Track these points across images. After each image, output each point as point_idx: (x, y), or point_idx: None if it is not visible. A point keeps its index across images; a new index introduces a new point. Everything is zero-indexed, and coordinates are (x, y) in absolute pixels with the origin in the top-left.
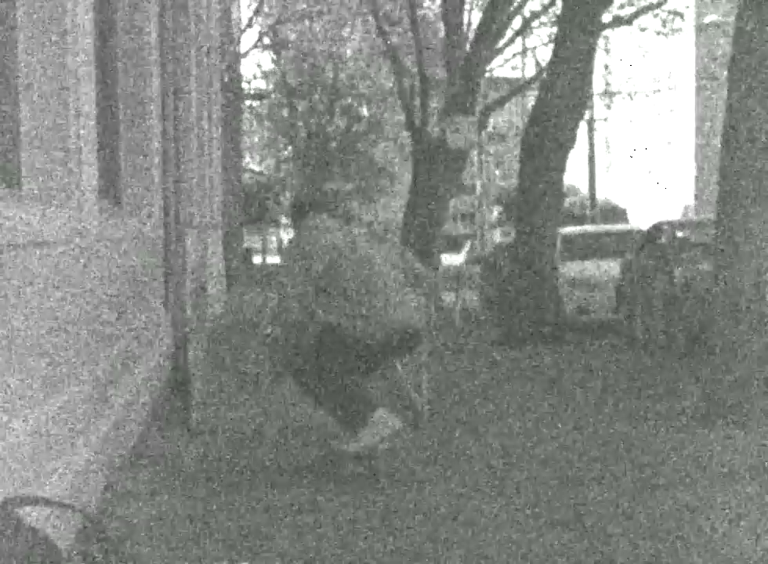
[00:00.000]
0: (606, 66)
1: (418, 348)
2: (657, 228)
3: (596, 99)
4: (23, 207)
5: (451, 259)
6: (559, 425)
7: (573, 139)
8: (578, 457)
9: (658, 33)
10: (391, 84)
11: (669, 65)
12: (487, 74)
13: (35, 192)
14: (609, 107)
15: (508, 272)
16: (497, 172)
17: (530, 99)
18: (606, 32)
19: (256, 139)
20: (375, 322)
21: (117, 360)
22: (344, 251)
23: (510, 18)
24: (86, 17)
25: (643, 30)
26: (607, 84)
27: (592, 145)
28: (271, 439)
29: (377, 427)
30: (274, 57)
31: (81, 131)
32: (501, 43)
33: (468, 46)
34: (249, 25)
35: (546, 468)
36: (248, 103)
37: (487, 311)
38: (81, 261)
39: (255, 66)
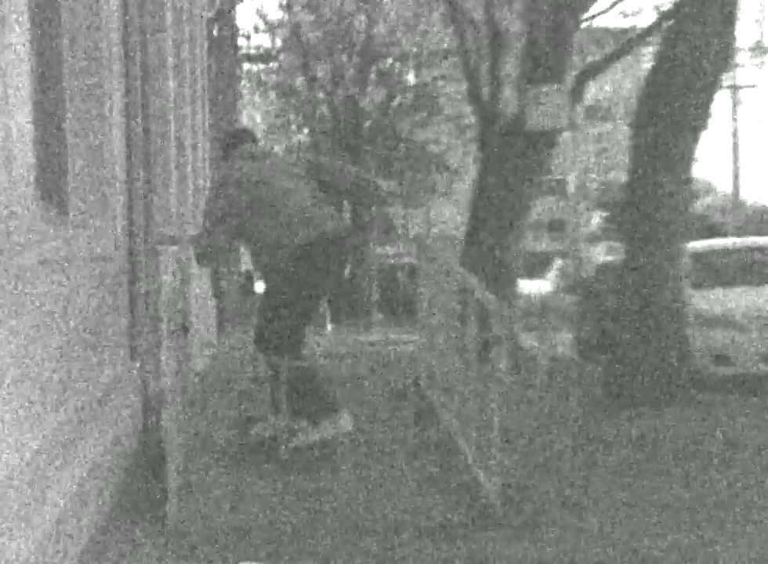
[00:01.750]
0: (761, 10)
1: (346, 258)
2: None
3: (743, 58)
4: None
5: (534, 286)
6: (685, 522)
7: (706, 116)
8: None
9: None
10: (448, 41)
11: None
12: (584, 25)
13: None
14: (760, 67)
15: (614, 306)
16: (599, 163)
17: (646, 60)
18: None
19: (258, 119)
20: (296, 227)
21: (59, 433)
22: (256, 175)
23: None
24: None
25: None
26: (761, 37)
27: (736, 123)
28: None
29: (338, 422)
30: (283, 2)
31: (10, 117)
32: None
33: None
34: None
35: None
36: (246, 67)
37: (586, 361)
38: (10, 290)
39: (256, 16)
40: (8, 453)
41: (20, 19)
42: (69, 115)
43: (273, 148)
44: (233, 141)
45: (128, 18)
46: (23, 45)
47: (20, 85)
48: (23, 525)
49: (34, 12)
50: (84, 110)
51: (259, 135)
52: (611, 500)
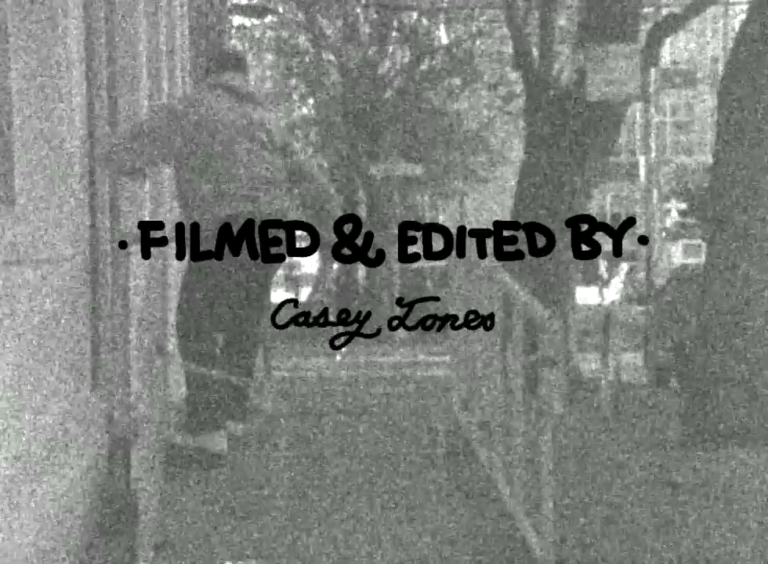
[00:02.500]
0: None
1: None
2: None
3: None
4: None
5: (594, 296)
6: None
7: None
8: None
9: None
10: None
11: None
12: None
13: None
14: None
15: (695, 320)
16: (677, 143)
17: (740, 11)
18: None
19: (252, 86)
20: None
21: (7, 480)
22: (220, 117)
23: None
24: None
25: None
26: None
27: None
28: None
29: (215, 441)
30: None
31: None
32: None
33: None
34: None
35: None
36: (236, 21)
37: (659, 387)
38: None
39: None
40: None
41: None
42: (15, 91)
43: (267, 98)
44: (212, 64)
45: None
46: None
47: None
48: None
49: None
50: (34, 82)
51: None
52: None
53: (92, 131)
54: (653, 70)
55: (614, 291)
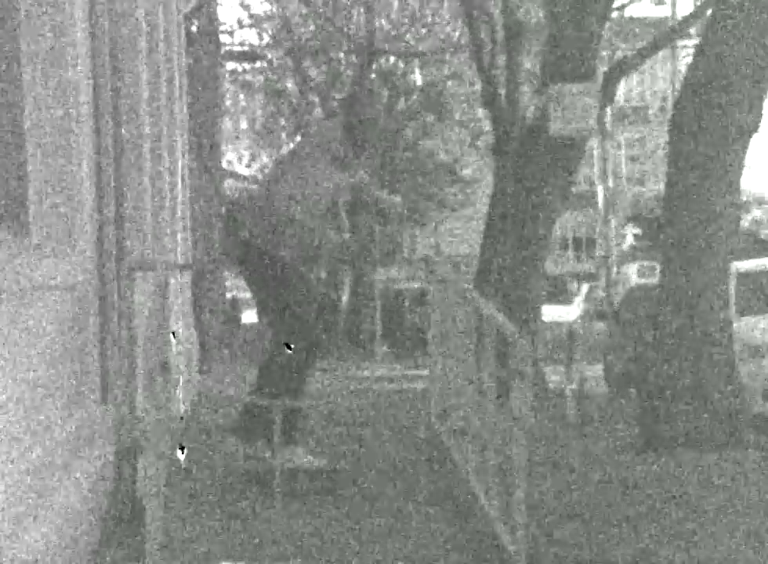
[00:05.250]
0: None
1: None
2: None
3: None
4: None
5: (560, 314)
6: None
7: (757, 117)
8: None
9: None
10: (458, 35)
11: None
12: (614, 14)
13: None
14: None
15: (650, 334)
16: (631, 173)
17: (686, 54)
18: None
19: (244, 125)
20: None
21: (21, 488)
22: None
23: None
24: None
25: None
26: None
27: None
28: None
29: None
30: None
31: None
32: None
33: None
34: None
35: None
36: (230, 66)
37: (617, 396)
38: None
39: (241, 9)
40: None
41: None
42: (28, 129)
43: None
44: None
45: (94, 16)
46: None
47: None
48: None
49: None
50: (45, 124)
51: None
52: (644, 557)
53: (98, 168)
54: (609, 107)
55: (576, 309)
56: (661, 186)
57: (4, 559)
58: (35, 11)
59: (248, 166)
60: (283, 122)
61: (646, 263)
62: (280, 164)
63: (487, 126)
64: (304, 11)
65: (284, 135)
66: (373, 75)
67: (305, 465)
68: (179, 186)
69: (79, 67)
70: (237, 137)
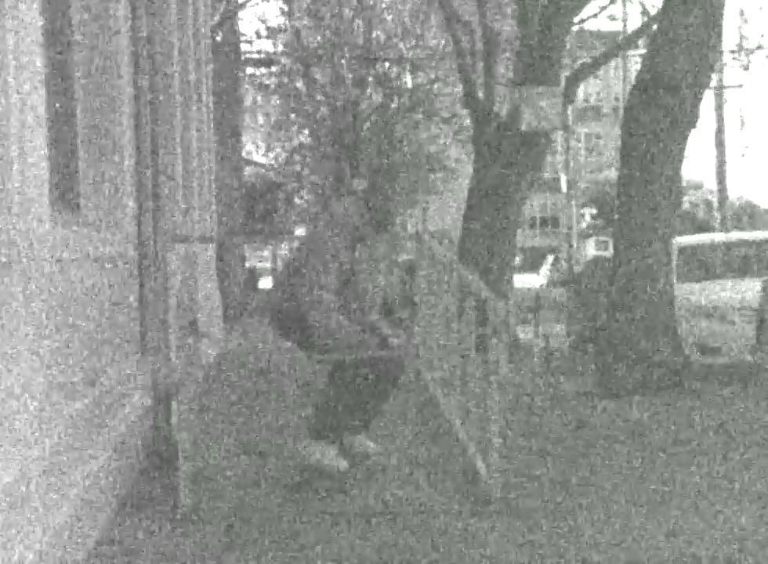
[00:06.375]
0: (742, 13)
1: None
2: None
3: (727, 58)
4: None
5: (528, 281)
6: (675, 507)
7: (694, 115)
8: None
9: None
10: (443, 44)
11: None
12: (575, 28)
13: None
14: (746, 69)
15: (604, 298)
16: (589, 162)
17: (635, 61)
18: None
19: (261, 120)
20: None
21: (75, 427)
22: None
23: None
24: None
25: None
26: (742, 37)
27: (721, 122)
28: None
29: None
30: (284, 8)
31: (25, 119)
32: None
33: None
34: None
35: None
36: (249, 71)
37: (577, 350)
38: (25, 292)
39: (258, 22)
40: (27, 445)
41: (33, 28)
42: (80, 120)
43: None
44: None
45: (136, 25)
46: (36, 52)
47: (34, 92)
48: (41, 519)
49: (46, 22)
50: (95, 115)
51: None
52: (600, 484)
53: (138, 156)
54: (570, 107)
55: (542, 278)
56: (614, 174)
57: (72, 478)
58: (87, 32)
59: (264, 155)
60: (293, 118)
61: (601, 238)
62: (303, 244)
63: (467, 122)
64: (312, 24)
65: (294, 128)
66: (370, 78)
67: (369, 451)
68: (206, 171)
69: (122, 73)
70: (254, 131)
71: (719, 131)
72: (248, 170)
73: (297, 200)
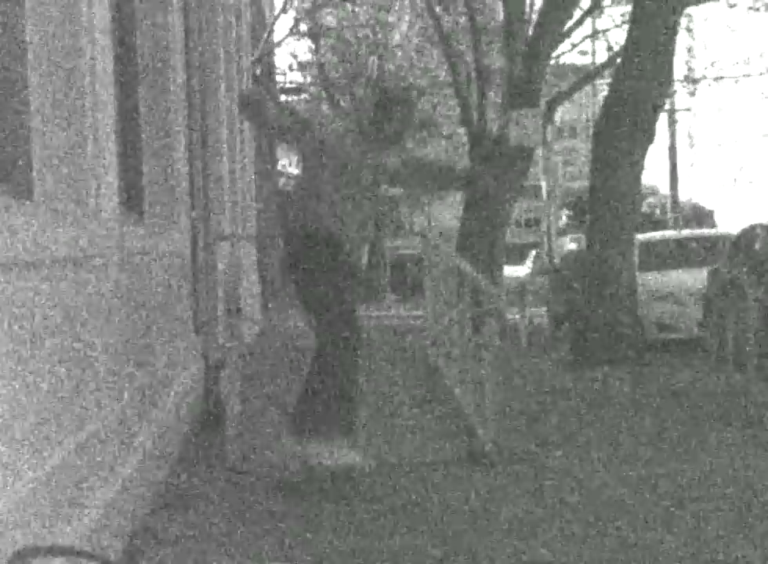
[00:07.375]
0: (690, 49)
1: None
2: (749, 232)
3: (678, 86)
4: (34, 220)
5: (515, 271)
6: (639, 460)
7: (651, 133)
8: (660, 498)
9: (750, 8)
10: (444, 75)
11: (762, 46)
12: (552, 61)
13: (49, 203)
14: (693, 95)
15: (578, 286)
16: (565, 172)
17: (602, 89)
18: (690, 9)
19: None
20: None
21: (141, 393)
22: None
23: None
24: (103, 14)
25: (732, 6)
26: (690, 69)
27: (673, 139)
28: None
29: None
30: (312, 46)
31: (99, 135)
32: (568, 26)
33: (531, 30)
34: (284, 10)
35: (626, 514)
36: (283, 97)
37: (556, 329)
38: (100, 282)
39: (291, 57)
40: (100, 413)
41: (106, 60)
42: (144, 136)
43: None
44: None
45: (189, 58)
46: (108, 76)
47: (107, 113)
48: (113, 468)
49: (117, 54)
50: (155, 133)
51: None
52: (575, 440)
53: (191, 168)
54: (549, 126)
55: (526, 269)
56: (586, 182)
57: (136, 429)
58: (148, 56)
59: (297, 168)
60: None
61: (575, 235)
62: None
63: (464, 139)
64: (335, 59)
65: None
66: None
67: (357, 465)
68: (248, 181)
69: (177, 100)
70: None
71: (672, 146)
72: (282, 180)
73: None
